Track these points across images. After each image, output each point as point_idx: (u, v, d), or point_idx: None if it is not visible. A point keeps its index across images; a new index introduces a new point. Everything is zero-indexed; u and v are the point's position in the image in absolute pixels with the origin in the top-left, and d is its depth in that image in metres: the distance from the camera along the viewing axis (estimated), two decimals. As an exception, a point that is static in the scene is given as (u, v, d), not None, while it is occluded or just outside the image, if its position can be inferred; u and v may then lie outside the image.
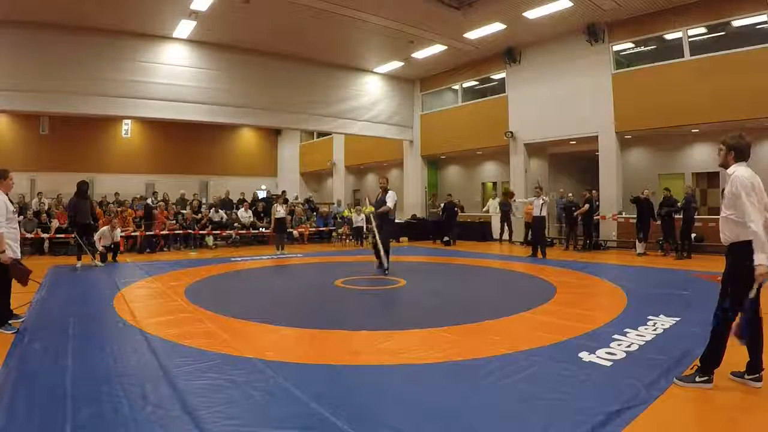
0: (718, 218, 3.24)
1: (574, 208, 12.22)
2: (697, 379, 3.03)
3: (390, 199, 8.43)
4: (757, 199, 2.95)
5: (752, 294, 2.89)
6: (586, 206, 11.83)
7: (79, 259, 9.20)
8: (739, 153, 3.12)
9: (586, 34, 12.77)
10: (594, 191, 12.56)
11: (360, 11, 11.98)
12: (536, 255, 10.69)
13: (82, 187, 9.34)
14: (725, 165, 3.19)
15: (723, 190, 3.41)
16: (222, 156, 23.23)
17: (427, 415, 2.70)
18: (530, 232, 12.14)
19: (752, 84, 10.24)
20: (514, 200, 14.35)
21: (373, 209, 8.66)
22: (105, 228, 10.24)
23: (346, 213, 16.06)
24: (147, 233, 12.49)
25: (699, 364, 3.09)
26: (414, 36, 13.70)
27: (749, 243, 2.90)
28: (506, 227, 14.70)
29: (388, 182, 9.10)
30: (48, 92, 11.83)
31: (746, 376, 3.06)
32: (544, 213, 10.92)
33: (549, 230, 15.37)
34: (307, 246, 14.56)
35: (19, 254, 4.30)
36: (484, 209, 16.95)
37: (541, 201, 10.80)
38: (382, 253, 8.23)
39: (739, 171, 3.04)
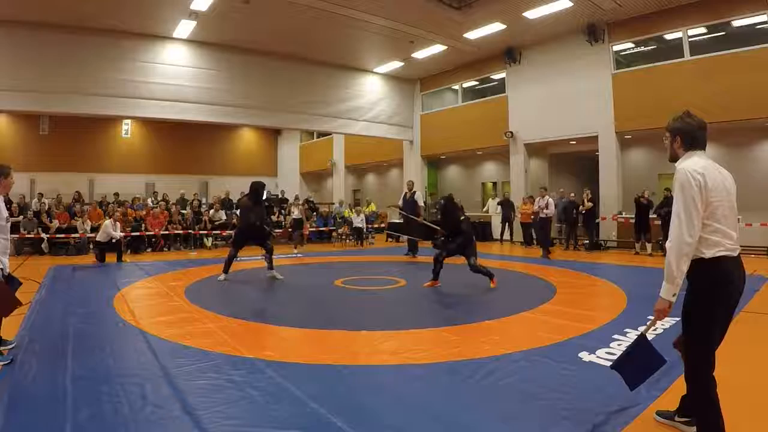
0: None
1: (575, 209, 12.24)
2: (677, 418, 2.51)
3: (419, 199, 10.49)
4: (699, 203, 2.13)
5: (642, 330, 2.48)
6: (590, 204, 11.93)
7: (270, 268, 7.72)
8: (688, 137, 2.31)
9: (586, 34, 12.76)
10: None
11: (360, 11, 11.96)
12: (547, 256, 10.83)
13: (256, 189, 7.55)
14: (674, 157, 2.40)
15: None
16: (222, 156, 23.20)
17: (427, 415, 2.70)
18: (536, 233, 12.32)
19: (752, 84, 10.24)
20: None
21: (374, 208, 8.79)
22: (108, 222, 10.30)
23: (347, 213, 16.07)
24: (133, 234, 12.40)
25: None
26: (414, 36, 13.69)
27: (709, 262, 2.16)
28: (507, 227, 14.73)
29: (413, 186, 10.99)
30: (48, 92, 11.81)
31: (677, 418, 2.47)
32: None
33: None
34: (307, 246, 14.55)
35: (7, 268, 3.76)
36: (484, 209, 16.95)
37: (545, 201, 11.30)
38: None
39: (685, 162, 2.26)
